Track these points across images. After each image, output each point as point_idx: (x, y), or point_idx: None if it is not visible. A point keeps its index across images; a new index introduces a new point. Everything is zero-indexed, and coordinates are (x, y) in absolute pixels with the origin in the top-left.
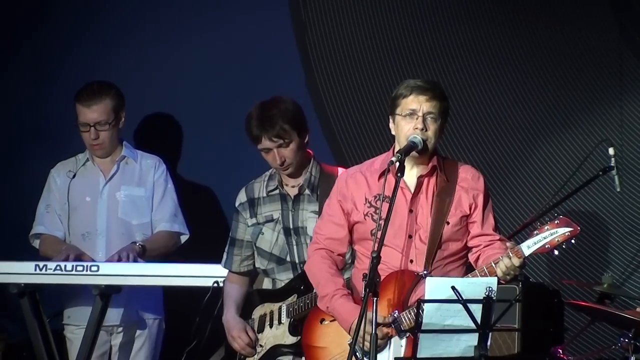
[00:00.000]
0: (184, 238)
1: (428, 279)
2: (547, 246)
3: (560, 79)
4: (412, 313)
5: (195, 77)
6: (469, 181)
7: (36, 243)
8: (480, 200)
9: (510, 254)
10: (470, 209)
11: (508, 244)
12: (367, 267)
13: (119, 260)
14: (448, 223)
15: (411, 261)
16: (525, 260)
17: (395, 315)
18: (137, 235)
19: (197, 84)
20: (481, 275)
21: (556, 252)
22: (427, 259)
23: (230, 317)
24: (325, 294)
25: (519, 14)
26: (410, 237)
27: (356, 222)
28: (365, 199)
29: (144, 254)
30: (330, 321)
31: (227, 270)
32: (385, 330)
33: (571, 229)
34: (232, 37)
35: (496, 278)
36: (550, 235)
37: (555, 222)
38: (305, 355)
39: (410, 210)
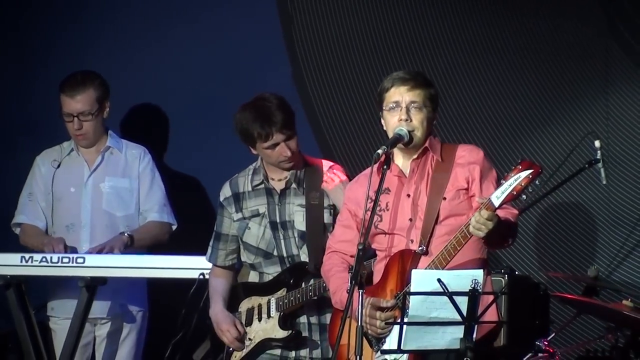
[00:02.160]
0: (173, 228)
1: (414, 271)
2: (513, 193)
3: (546, 72)
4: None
5: (181, 69)
6: (466, 157)
7: (18, 231)
8: (477, 173)
9: (481, 208)
10: (467, 182)
11: (477, 198)
12: (383, 260)
13: (100, 252)
14: (445, 198)
15: (411, 241)
16: (497, 214)
17: (392, 302)
18: (122, 227)
19: (183, 76)
20: (460, 236)
21: (524, 197)
22: (422, 235)
23: (219, 311)
24: (334, 291)
25: (504, 7)
26: (410, 220)
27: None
28: (368, 196)
29: (132, 244)
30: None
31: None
32: (389, 313)
33: (532, 170)
34: (218, 29)
35: (482, 270)
36: (514, 181)
37: (518, 167)
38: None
39: (408, 195)
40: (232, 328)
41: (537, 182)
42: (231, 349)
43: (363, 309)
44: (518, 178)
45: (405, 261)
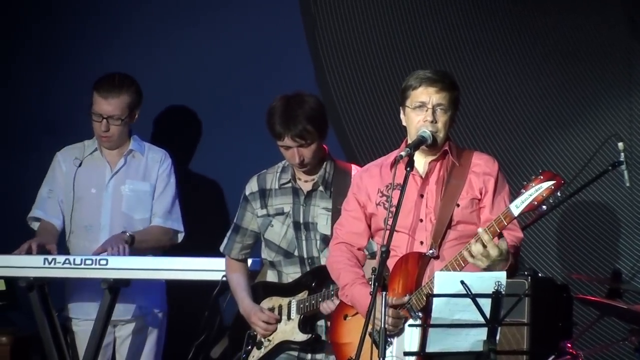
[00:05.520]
0: (181, 236)
1: (437, 273)
2: (534, 203)
3: (568, 73)
4: (422, 294)
5: (205, 71)
6: (482, 166)
7: (35, 225)
8: (491, 185)
9: (501, 217)
10: (480, 193)
11: (507, 207)
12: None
13: (104, 252)
14: (458, 205)
15: (421, 243)
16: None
17: (407, 298)
18: (138, 229)
19: (207, 78)
20: (475, 241)
21: (544, 207)
22: (434, 239)
23: (247, 305)
24: (345, 283)
25: (525, 7)
26: (421, 220)
27: (372, 214)
28: (378, 189)
29: (132, 244)
30: (353, 316)
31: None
32: (400, 312)
33: (554, 182)
34: (242, 31)
35: (504, 272)
36: (535, 191)
37: (539, 177)
38: (334, 352)
39: (421, 195)
40: (260, 314)
41: (558, 193)
42: (249, 347)
43: (382, 310)
44: (539, 188)
45: (416, 264)
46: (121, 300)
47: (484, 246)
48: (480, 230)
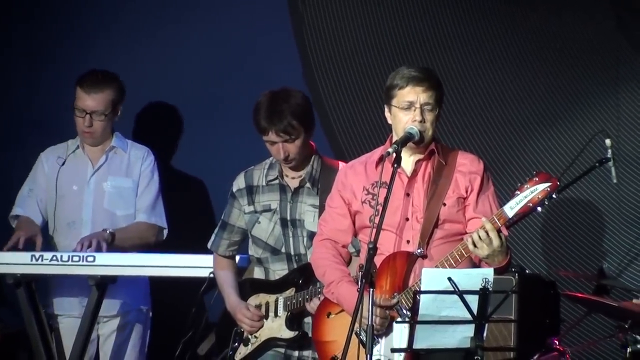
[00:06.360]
0: (165, 232)
1: (424, 270)
2: (529, 204)
3: (556, 70)
4: (411, 293)
5: (192, 69)
6: (468, 165)
7: (15, 224)
8: (476, 184)
9: (495, 218)
10: (466, 191)
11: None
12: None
13: (81, 249)
14: (445, 204)
15: (407, 242)
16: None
17: (396, 297)
18: (121, 226)
19: (194, 76)
20: (478, 229)
21: (539, 209)
22: (422, 238)
23: (232, 301)
24: (331, 281)
25: (513, 4)
26: (407, 219)
27: (357, 212)
28: (364, 187)
29: (113, 241)
30: (336, 314)
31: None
32: (388, 312)
33: (550, 184)
34: (229, 28)
35: (492, 269)
36: (530, 193)
37: (534, 179)
38: (316, 350)
39: (407, 194)
40: (245, 311)
41: (554, 195)
42: (236, 344)
43: (369, 306)
44: (535, 190)
45: (403, 263)
46: (105, 296)
47: (487, 234)
48: (483, 219)
